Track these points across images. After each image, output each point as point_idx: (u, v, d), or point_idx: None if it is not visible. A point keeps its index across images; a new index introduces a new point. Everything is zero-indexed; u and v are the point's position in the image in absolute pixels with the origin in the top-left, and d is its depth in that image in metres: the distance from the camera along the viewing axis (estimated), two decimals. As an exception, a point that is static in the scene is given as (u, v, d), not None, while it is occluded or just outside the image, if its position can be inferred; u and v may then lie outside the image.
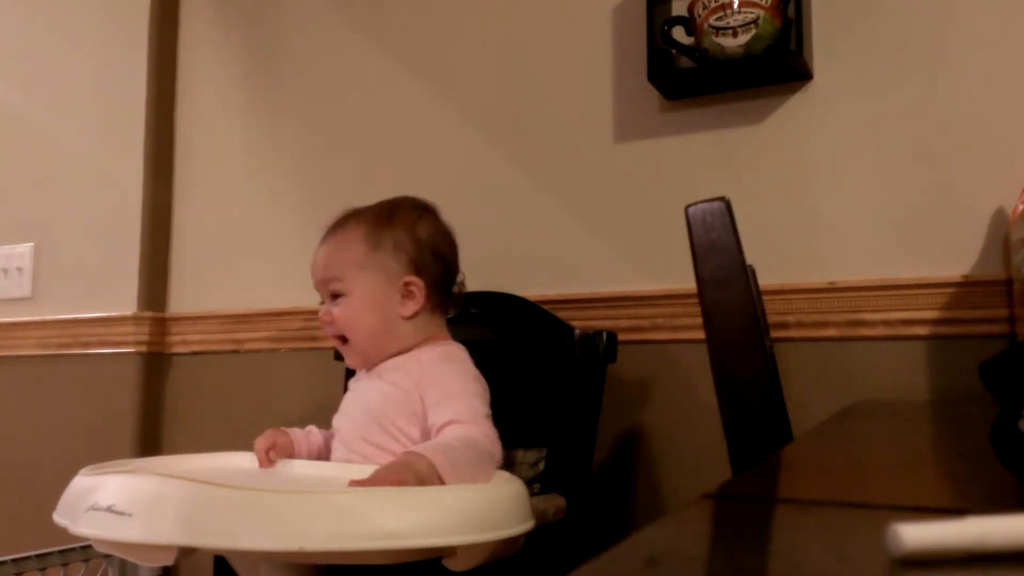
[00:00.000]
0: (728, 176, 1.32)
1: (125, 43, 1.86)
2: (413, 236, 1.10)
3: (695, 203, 0.80)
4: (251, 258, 1.74)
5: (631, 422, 1.35)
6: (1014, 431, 0.38)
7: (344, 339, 1.10)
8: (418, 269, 1.09)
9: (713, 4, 1.24)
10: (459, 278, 1.16)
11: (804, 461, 0.56)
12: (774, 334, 1.21)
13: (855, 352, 1.22)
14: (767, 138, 1.31)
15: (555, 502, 1.09)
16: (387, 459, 0.94)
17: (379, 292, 1.08)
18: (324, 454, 1.14)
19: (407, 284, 1.08)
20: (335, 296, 1.09)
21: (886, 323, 1.21)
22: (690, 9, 1.28)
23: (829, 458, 0.59)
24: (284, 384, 1.65)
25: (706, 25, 1.25)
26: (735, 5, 1.23)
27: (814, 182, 1.28)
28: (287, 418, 1.52)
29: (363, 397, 1.09)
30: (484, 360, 1.13)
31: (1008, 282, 1.13)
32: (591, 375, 1.20)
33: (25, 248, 1.93)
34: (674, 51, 1.33)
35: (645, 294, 1.35)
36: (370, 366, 1.11)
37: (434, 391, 1.03)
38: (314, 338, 1.61)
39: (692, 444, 1.29)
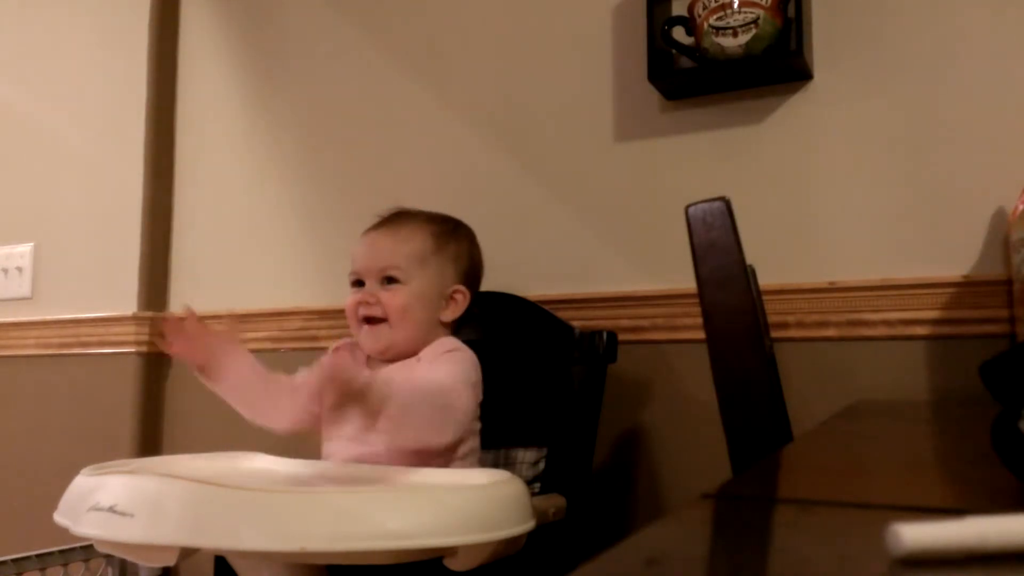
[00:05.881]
0: (728, 176, 1.32)
1: (125, 43, 1.86)
2: (470, 253, 1.20)
3: (695, 203, 0.80)
4: (251, 258, 1.74)
5: (631, 422, 1.35)
6: (1014, 431, 0.38)
7: (374, 321, 1.12)
8: (466, 283, 1.17)
9: (713, 4, 1.24)
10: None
11: (804, 461, 0.56)
12: (774, 334, 1.21)
13: (855, 352, 1.22)
14: (767, 138, 1.31)
15: (555, 502, 1.09)
16: (419, 456, 1.02)
17: (432, 291, 1.14)
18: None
19: (455, 292, 1.16)
20: (388, 282, 1.12)
21: (886, 323, 1.21)
22: (690, 9, 1.28)
23: (829, 458, 0.59)
24: (284, 384, 1.65)
25: (706, 25, 1.25)
26: (735, 5, 1.23)
27: (814, 182, 1.28)
28: (287, 418, 1.51)
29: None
30: (484, 360, 1.14)
31: (1008, 282, 1.13)
32: (591, 375, 1.20)
33: (25, 248, 1.93)
34: (674, 51, 1.33)
35: (645, 294, 1.35)
36: (387, 356, 1.14)
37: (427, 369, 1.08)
38: (314, 338, 1.61)
39: (692, 444, 1.29)
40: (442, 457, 1.06)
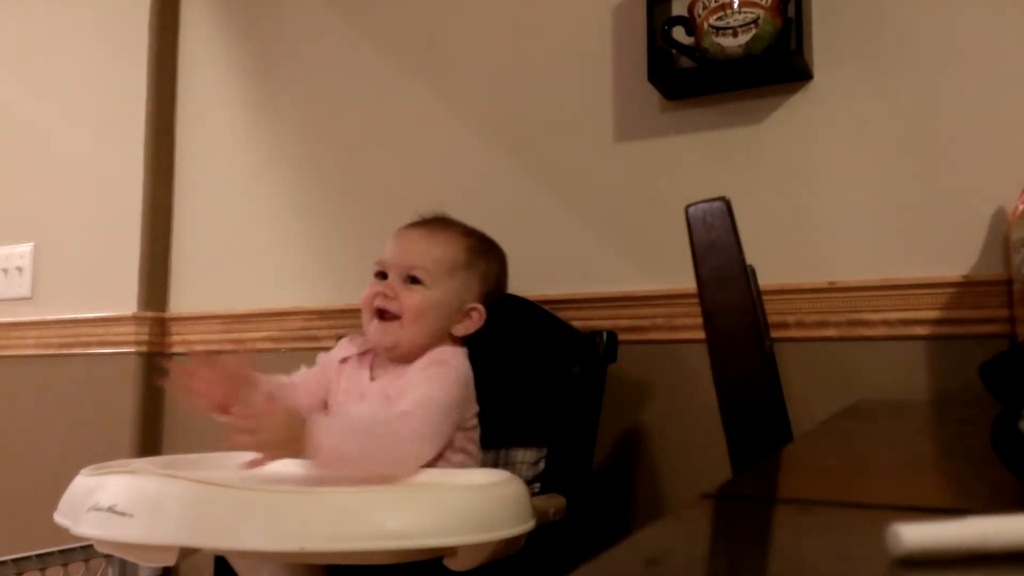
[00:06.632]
0: (728, 176, 1.32)
1: (125, 43, 1.86)
2: (497, 275, 1.20)
3: (695, 203, 0.80)
4: (251, 258, 1.74)
5: (631, 422, 1.35)
6: (1014, 431, 0.38)
7: (387, 316, 1.11)
8: (485, 303, 1.16)
9: (713, 4, 1.24)
10: None
11: (804, 461, 0.56)
12: (774, 334, 1.21)
13: (855, 352, 1.22)
14: (767, 138, 1.31)
15: (555, 502, 1.09)
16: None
17: (451, 302, 1.13)
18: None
19: (473, 309, 1.15)
20: (411, 281, 1.11)
21: (886, 323, 1.21)
22: (690, 9, 1.28)
23: (829, 458, 0.59)
24: (284, 384, 1.65)
25: (706, 25, 1.25)
26: (735, 5, 1.23)
27: (814, 182, 1.28)
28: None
29: (374, 402, 1.10)
30: (485, 360, 1.14)
31: (1008, 282, 1.13)
32: (591, 375, 1.20)
33: (25, 248, 1.93)
34: (674, 51, 1.33)
35: (645, 294, 1.35)
36: (393, 354, 1.12)
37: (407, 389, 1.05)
38: (314, 338, 1.61)
39: (692, 444, 1.29)
40: (441, 461, 1.06)
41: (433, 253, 1.13)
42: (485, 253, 1.19)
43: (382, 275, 1.14)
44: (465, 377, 1.10)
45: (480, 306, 1.15)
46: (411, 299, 1.10)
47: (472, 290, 1.15)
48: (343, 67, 1.68)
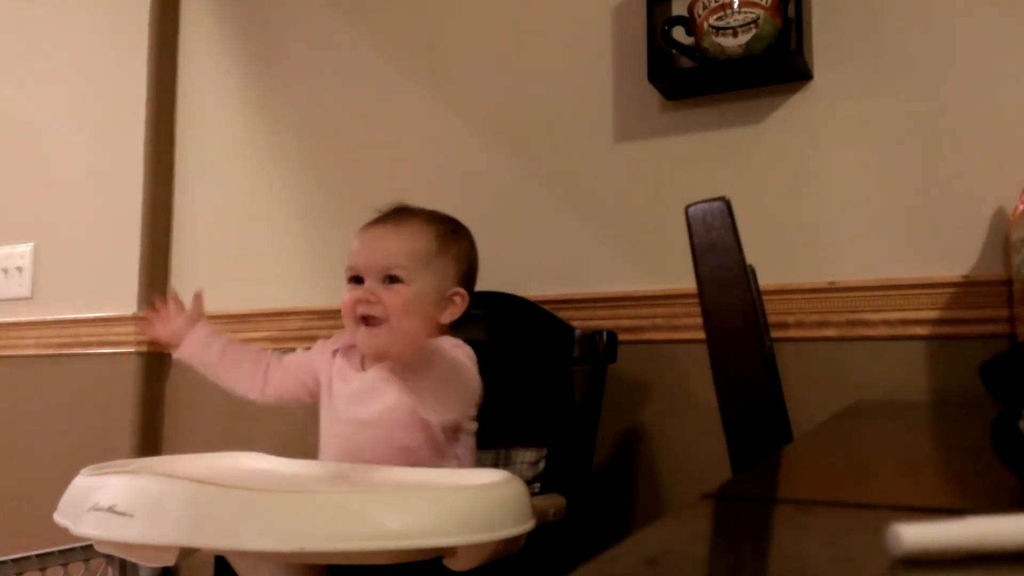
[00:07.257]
0: (728, 176, 1.32)
1: (125, 43, 1.86)
2: (469, 254, 1.18)
3: (695, 203, 0.80)
4: (251, 258, 1.74)
5: (631, 422, 1.35)
6: (1014, 431, 0.38)
7: (373, 321, 1.09)
8: (464, 285, 1.15)
9: (713, 4, 1.24)
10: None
11: (804, 461, 0.56)
12: (774, 334, 1.21)
13: (855, 352, 1.22)
14: (767, 138, 1.31)
15: (555, 502, 1.09)
16: (416, 455, 1.04)
17: (432, 293, 1.11)
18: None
19: (455, 294, 1.13)
20: (389, 280, 1.10)
21: (886, 323, 1.21)
22: (690, 9, 1.28)
23: (829, 458, 0.59)
24: (284, 384, 1.65)
25: (706, 25, 1.25)
26: (735, 5, 1.23)
27: (814, 182, 1.28)
28: (287, 418, 1.52)
29: (379, 397, 1.08)
30: (484, 360, 1.13)
31: (1008, 282, 1.13)
32: (591, 375, 1.20)
33: (25, 248, 1.93)
34: (674, 51, 1.33)
35: (645, 294, 1.35)
36: (383, 360, 1.09)
37: None
38: (314, 338, 1.60)
39: (692, 444, 1.29)
40: (436, 456, 1.06)
41: (406, 247, 1.10)
42: (454, 235, 1.17)
43: (356, 279, 1.11)
44: (475, 363, 1.08)
45: (461, 289, 1.14)
46: (395, 299, 1.08)
47: (450, 275, 1.13)
48: (343, 67, 1.68)
